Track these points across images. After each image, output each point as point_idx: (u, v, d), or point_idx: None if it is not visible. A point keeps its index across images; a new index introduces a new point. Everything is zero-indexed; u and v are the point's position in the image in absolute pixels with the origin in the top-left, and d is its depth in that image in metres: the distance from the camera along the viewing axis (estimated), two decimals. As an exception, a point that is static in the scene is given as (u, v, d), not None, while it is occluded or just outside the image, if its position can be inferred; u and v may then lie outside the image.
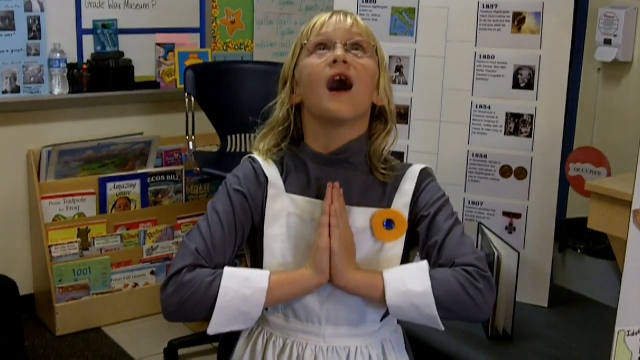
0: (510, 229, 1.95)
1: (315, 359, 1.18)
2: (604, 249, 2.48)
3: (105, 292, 2.93)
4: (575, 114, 2.91)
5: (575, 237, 2.68)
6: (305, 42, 1.17)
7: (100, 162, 2.94)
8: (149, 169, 3.05)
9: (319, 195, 1.17)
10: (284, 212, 1.17)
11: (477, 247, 1.93)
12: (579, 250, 2.65)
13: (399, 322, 1.28)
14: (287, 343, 1.19)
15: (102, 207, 2.94)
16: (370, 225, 1.17)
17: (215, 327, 1.13)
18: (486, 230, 1.86)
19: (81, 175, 2.92)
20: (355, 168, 1.19)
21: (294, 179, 1.20)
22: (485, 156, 1.95)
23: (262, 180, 1.20)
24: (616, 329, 1.35)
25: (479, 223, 1.92)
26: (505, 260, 1.74)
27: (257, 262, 1.20)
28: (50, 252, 2.82)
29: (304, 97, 1.18)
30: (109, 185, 2.95)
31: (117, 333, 2.87)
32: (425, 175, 1.23)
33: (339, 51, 1.13)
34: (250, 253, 1.25)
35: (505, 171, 1.94)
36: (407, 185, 1.20)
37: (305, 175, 1.19)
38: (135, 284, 3.01)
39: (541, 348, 1.71)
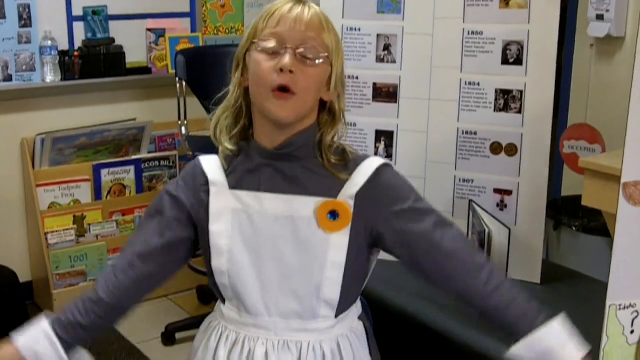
0: (501, 205, 1.94)
1: (267, 355, 1.17)
2: (599, 226, 2.47)
3: (102, 278, 2.94)
4: (568, 90, 2.90)
5: (570, 214, 2.67)
6: (259, 35, 1.14)
7: (94, 149, 2.94)
8: (143, 154, 3.05)
9: (267, 188, 1.16)
10: (228, 208, 1.17)
11: (467, 224, 1.93)
12: (573, 228, 2.65)
13: (360, 318, 1.27)
14: (239, 338, 1.19)
15: (97, 194, 2.95)
16: (315, 215, 1.15)
17: None
18: (477, 208, 1.86)
19: (75, 162, 2.92)
20: (302, 161, 1.18)
21: (240, 175, 1.19)
22: (475, 133, 1.94)
23: (200, 181, 1.20)
24: (607, 303, 1.35)
25: (470, 200, 1.91)
26: (496, 237, 1.75)
27: (207, 261, 1.20)
28: (46, 239, 2.83)
29: (251, 90, 1.17)
30: (104, 171, 2.96)
31: (114, 318, 2.88)
32: (379, 172, 1.19)
33: (286, 59, 1.10)
34: (204, 254, 1.23)
35: (496, 148, 1.93)
36: (358, 179, 1.17)
37: (253, 171, 1.18)
38: (132, 270, 3.02)
39: (533, 324, 1.71)
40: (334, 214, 1.15)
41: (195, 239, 1.23)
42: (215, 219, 1.17)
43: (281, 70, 1.11)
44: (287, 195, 1.16)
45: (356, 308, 1.26)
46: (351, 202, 1.16)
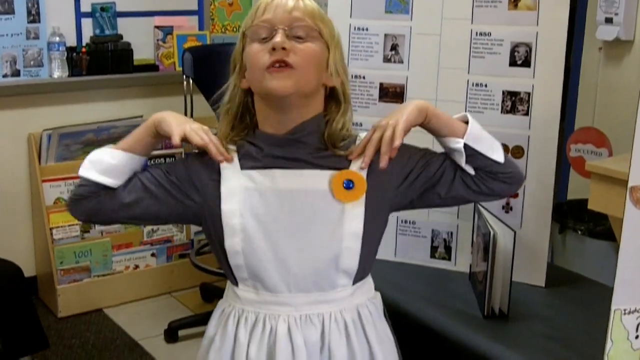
0: (507, 208, 1.93)
1: (289, 330, 1.17)
2: (605, 231, 2.46)
3: (106, 274, 2.95)
4: (576, 94, 2.89)
5: (576, 218, 2.67)
6: (248, 28, 1.17)
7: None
8: (149, 152, 3.05)
9: (278, 166, 1.18)
10: (240, 188, 1.17)
11: (473, 227, 1.92)
12: (579, 232, 2.64)
13: (376, 289, 1.29)
14: (259, 318, 1.19)
15: (102, 190, 2.96)
16: (330, 187, 1.16)
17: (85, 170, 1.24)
18: (483, 210, 1.85)
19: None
20: (310, 148, 1.19)
21: (250, 160, 1.20)
22: (482, 135, 1.93)
23: (212, 163, 1.19)
24: (612, 308, 1.34)
25: (476, 202, 1.91)
26: (501, 240, 1.74)
27: (219, 243, 1.19)
28: (51, 234, 2.84)
29: (250, 82, 1.18)
30: (109, 168, 2.96)
31: (118, 315, 2.89)
32: None
33: (278, 38, 1.12)
34: (213, 238, 1.22)
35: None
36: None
37: (262, 155, 1.20)
38: (136, 266, 3.03)
39: (537, 327, 1.70)
40: (349, 183, 1.16)
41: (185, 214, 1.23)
42: (227, 199, 1.17)
43: (273, 49, 1.13)
44: (299, 170, 1.18)
45: (371, 280, 1.28)
46: (364, 173, 1.18)
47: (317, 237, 1.16)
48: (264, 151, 1.19)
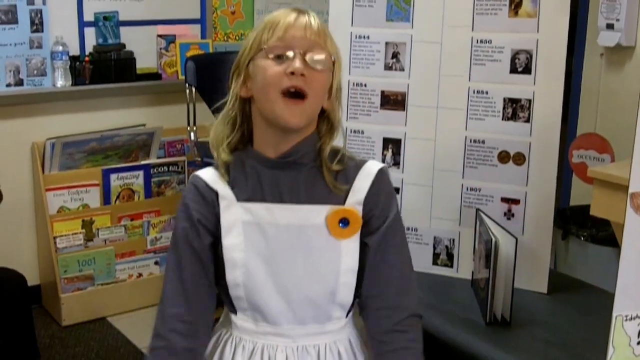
0: (509, 215, 1.93)
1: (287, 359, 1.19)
2: (608, 236, 2.46)
3: (109, 282, 2.96)
4: (578, 100, 2.89)
5: (578, 224, 2.67)
6: (266, 43, 1.15)
7: (103, 154, 2.96)
8: (152, 160, 3.07)
9: (274, 199, 1.17)
10: (238, 221, 1.17)
11: (475, 234, 1.92)
12: (582, 238, 2.64)
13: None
14: (257, 347, 1.20)
15: (106, 199, 2.97)
16: (326, 224, 1.17)
17: None
18: (484, 217, 1.85)
19: (85, 167, 2.94)
20: (306, 168, 1.19)
21: (244, 187, 1.19)
22: (483, 142, 1.93)
23: (211, 197, 1.18)
24: (614, 314, 1.34)
25: (477, 209, 1.91)
26: (503, 247, 1.74)
27: (221, 274, 1.19)
28: (55, 243, 2.85)
29: (257, 97, 1.17)
30: (113, 176, 2.98)
31: (121, 323, 2.90)
32: (382, 176, 1.22)
33: (297, 64, 1.12)
34: (216, 268, 1.22)
35: (504, 157, 1.93)
36: (362, 183, 1.20)
37: (256, 181, 1.18)
38: (140, 274, 3.03)
39: (539, 334, 1.70)
40: (345, 222, 1.17)
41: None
42: (227, 233, 1.17)
43: (292, 73, 1.12)
44: (296, 205, 1.17)
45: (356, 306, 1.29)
46: (359, 208, 1.19)
47: (316, 272, 1.17)
48: (257, 177, 1.17)
